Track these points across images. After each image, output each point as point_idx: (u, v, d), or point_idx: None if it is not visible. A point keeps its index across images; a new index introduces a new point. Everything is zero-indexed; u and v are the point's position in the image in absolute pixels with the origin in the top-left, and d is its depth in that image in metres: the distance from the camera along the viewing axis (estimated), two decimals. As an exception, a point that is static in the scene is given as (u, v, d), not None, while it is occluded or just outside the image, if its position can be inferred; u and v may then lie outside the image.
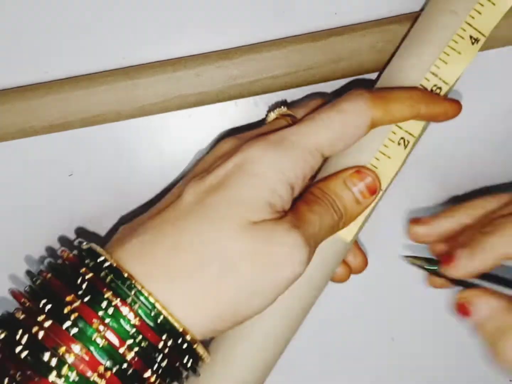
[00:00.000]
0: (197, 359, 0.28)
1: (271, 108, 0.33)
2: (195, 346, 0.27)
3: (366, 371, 0.38)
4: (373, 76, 0.35)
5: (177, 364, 0.27)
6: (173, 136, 0.35)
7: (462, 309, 0.31)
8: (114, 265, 0.27)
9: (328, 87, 0.35)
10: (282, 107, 0.32)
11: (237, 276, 0.27)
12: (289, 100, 0.35)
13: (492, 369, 0.38)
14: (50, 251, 0.36)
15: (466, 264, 0.30)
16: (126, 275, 0.26)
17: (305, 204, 0.29)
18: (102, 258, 0.27)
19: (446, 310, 0.38)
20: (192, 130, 0.35)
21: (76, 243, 0.29)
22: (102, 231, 0.36)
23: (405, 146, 0.30)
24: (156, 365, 0.26)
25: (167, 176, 0.36)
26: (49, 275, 0.27)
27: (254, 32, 0.34)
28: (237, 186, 0.28)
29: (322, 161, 0.29)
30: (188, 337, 0.27)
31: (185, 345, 0.27)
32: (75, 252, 0.28)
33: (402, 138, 0.30)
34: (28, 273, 0.28)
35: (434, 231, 0.33)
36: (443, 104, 0.30)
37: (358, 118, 0.28)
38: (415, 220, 0.34)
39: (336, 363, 0.37)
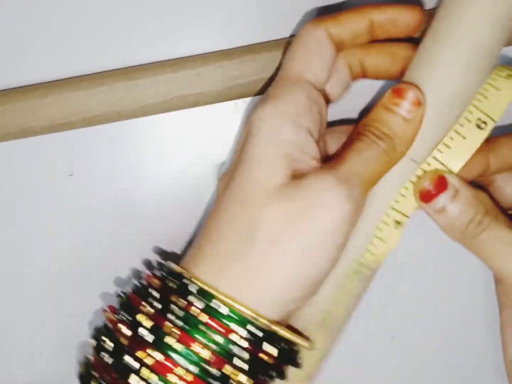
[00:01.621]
0: (285, 346, 0.27)
1: None
2: (274, 329, 0.27)
3: (365, 371, 0.38)
4: (373, 76, 0.35)
5: (263, 356, 0.27)
6: (173, 136, 0.35)
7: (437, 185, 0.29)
8: (178, 271, 0.28)
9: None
10: None
11: (280, 243, 0.26)
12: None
13: (492, 369, 0.38)
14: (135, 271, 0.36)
15: None
16: (188, 277, 0.27)
17: (344, 146, 0.28)
18: (167, 270, 0.28)
19: (446, 310, 0.38)
20: (192, 130, 0.35)
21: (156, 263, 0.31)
22: (102, 232, 0.36)
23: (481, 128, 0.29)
24: (236, 360, 0.26)
25: (167, 176, 0.36)
26: (131, 293, 0.29)
27: (254, 32, 0.34)
28: (248, 155, 0.27)
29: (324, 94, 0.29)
30: (262, 321, 0.26)
31: (262, 335, 0.26)
32: (158, 274, 0.29)
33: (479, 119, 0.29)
34: (117, 295, 0.30)
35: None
36: (398, 8, 0.29)
37: (312, 34, 0.29)
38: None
39: (335, 363, 0.37)
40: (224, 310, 0.26)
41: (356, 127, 0.29)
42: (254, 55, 0.33)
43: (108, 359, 0.27)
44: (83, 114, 0.33)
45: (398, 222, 0.30)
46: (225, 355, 0.26)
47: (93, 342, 0.29)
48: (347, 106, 0.35)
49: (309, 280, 0.27)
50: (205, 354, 0.26)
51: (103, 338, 0.28)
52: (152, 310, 0.27)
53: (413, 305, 0.37)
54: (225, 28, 0.35)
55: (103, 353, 0.27)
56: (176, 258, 0.34)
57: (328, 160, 0.28)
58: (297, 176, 0.27)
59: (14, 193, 0.35)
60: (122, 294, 0.30)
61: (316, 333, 0.30)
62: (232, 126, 0.35)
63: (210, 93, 0.33)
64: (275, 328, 0.27)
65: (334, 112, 0.34)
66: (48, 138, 0.34)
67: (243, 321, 0.26)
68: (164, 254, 0.36)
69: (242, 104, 0.35)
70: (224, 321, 0.26)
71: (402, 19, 0.29)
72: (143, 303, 0.27)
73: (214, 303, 0.26)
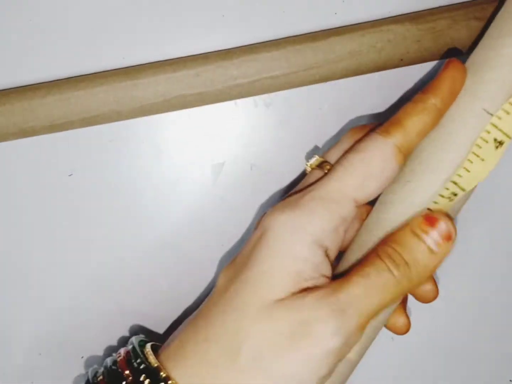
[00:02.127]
0: None
1: (307, 158, 0.31)
2: None
3: (366, 371, 0.38)
4: (372, 76, 0.35)
5: None
6: (173, 136, 0.35)
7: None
8: (153, 364, 0.26)
9: (328, 87, 0.35)
10: (315, 156, 0.30)
11: (263, 366, 0.25)
12: (288, 101, 0.35)
13: (492, 369, 0.38)
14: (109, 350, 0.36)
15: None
16: (163, 374, 0.26)
17: (359, 266, 0.26)
18: (141, 360, 0.27)
19: (447, 310, 0.38)
20: (192, 130, 0.35)
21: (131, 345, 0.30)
22: (102, 231, 0.36)
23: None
24: None
25: (167, 176, 0.36)
26: (101, 378, 0.28)
27: (254, 32, 0.34)
28: (258, 262, 0.26)
29: (357, 209, 0.26)
30: None
31: None
32: (132, 362, 0.28)
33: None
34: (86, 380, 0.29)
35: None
36: (444, 85, 0.27)
37: (379, 152, 0.26)
38: None
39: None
40: None
41: (379, 244, 0.27)
42: (254, 55, 0.33)
43: None
44: (83, 114, 0.33)
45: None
46: None
47: None
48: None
49: None
50: None
51: None
52: None
53: (413, 305, 0.37)
54: (225, 28, 0.35)
55: None
56: (156, 338, 0.33)
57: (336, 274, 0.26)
58: (299, 290, 0.25)
59: (14, 193, 0.35)
60: (90, 380, 0.28)
61: None
62: (232, 126, 0.35)
63: (210, 93, 0.33)
64: None
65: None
66: (48, 138, 0.34)
67: None
68: (143, 332, 0.36)
69: (242, 104, 0.35)
70: None
71: (455, 89, 0.28)
72: None
73: None
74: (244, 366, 0.25)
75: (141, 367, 0.27)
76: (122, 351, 0.29)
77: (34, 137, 0.34)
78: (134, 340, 0.29)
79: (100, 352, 0.36)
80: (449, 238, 0.25)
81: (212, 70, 0.33)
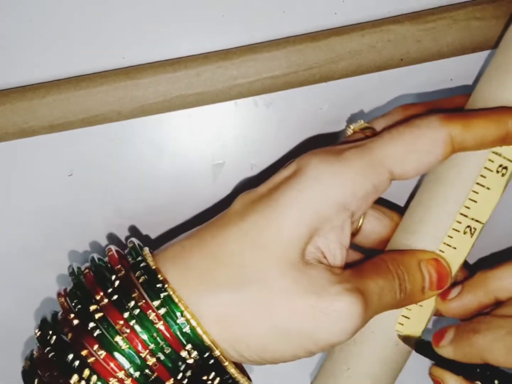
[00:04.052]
0: (227, 379, 0.26)
1: (349, 122, 0.31)
2: (225, 364, 0.25)
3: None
4: (373, 76, 0.35)
5: (205, 378, 0.26)
6: (173, 136, 0.35)
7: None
8: (152, 265, 0.26)
9: (328, 87, 0.35)
10: (360, 121, 0.29)
11: (272, 313, 0.25)
12: (288, 101, 0.35)
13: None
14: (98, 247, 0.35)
15: (449, 351, 0.28)
16: (160, 277, 0.25)
17: (373, 270, 0.26)
18: (140, 258, 0.26)
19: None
20: (192, 130, 0.35)
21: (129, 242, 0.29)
22: (102, 233, 0.36)
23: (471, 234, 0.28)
24: (180, 375, 0.25)
25: (167, 176, 0.36)
26: (87, 272, 0.27)
27: (254, 32, 0.34)
28: (284, 199, 0.25)
29: (390, 183, 0.26)
30: (216, 353, 0.25)
31: (211, 361, 0.25)
32: (118, 250, 0.27)
33: (468, 226, 0.28)
34: (70, 271, 0.28)
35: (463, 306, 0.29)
36: None
37: (432, 132, 0.25)
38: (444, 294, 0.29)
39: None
40: (186, 328, 0.25)
41: (389, 254, 0.28)
42: (254, 55, 0.33)
43: (52, 355, 0.25)
44: (83, 114, 0.33)
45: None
46: (170, 369, 0.25)
47: (38, 334, 0.27)
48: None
49: (269, 358, 0.26)
50: (151, 361, 0.25)
51: (48, 331, 0.26)
52: (106, 300, 0.25)
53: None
54: (225, 28, 0.35)
55: (47, 348, 0.26)
56: (149, 243, 0.32)
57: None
58: (321, 264, 0.25)
59: (14, 193, 0.35)
60: (76, 272, 0.27)
61: None
62: (232, 126, 0.35)
63: (210, 93, 0.33)
64: (227, 364, 0.26)
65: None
66: (48, 138, 0.34)
67: (199, 346, 0.25)
68: (135, 235, 0.36)
69: (242, 104, 0.35)
70: (181, 337, 0.25)
71: None
72: (98, 289, 0.25)
73: (178, 316, 0.25)
74: (249, 300, 0.25)
75: (139, 265, 0.26)
76: (112, 247, 0.28)
77: (34, 137, 0.34)
78: (135, 240, 0.28)
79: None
80: (442, 286, 0.27)
81: (212, 70, 0.33)
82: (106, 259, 0.27)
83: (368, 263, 0.27)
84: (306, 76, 0.34)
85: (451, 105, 0.29)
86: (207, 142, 0.36)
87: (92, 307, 0.25)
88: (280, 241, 0.25)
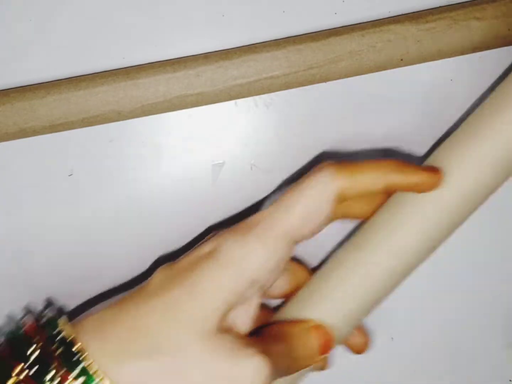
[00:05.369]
0: None
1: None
2: None
3: (366, 371, 0.38)
4: (373, 76, 0.35)
5: None
6: (173, 136, 0.35)
7: None
8: (69, 337, 0.26)
9: (328, 87, 0.35)
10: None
11: (188, 381, 0.26)
12: (288, 101, 0.35)
13: (492, 368, 0.38)
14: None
15: None
16: (77, 347, 0.26)
17: (273, 337, 0.29)
18: (57, 329, 0.27)
19: (446, 310, 0.38)
20: (192, 130, 0.35)
21: (46, 312, 0.29)
22: (101, 231, 0.36)
23: None
24: None
25: (167, 176, 0.36)
26: (3, 346, 0.27)
27: (254, 32, 0.34)
28: (202, 277, 0.27)
29: (295, 247, 0.28)
30: None
31: None
32: (36, 320, 0.28)
33: None
34: None
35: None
36: (419, 174, 0.27)
37: (322, 192, 0.27)
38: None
39: (335, 363, 0.37)
40: None
41: (283, 324, 0.30)
42: (254, 55, 0.33)
43: None
44: (83, 114, 0.33)
45: None
46: None
47: None
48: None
49: None
50: None
51: None
52: (25, 373, 0.26)
53: (413, 305, 0.37)
54: (225, 28, 0.35)
55: None
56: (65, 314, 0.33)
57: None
58: (231, 332, 0.27)
59: (14, 193, 0.35)
60: None
61: None
62: (232, 126, 0.35)
63: (210, 93, 0.33)
64: None
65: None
66: (48, 138, 0.34)
67: None
68: (51, 307, 0.35)
69: (242, 104, 0.35)
70: (79, 380, 0.25)
71: (423, 186, 0.27)
72: (16, 362, 0.26)
73: (77, 361, 0.25)
74: (166, 370, 0.26)
75: (56, 336, 0.26)
76: (29, 318, 0.28)
77: (34, 137, 0.34)
78: (50, 310, 0.29)
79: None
80: (326, 351, 0.29)
81: (212, 70, 0.33)
82: (23, 329, 0.28)
83: (270, 329, 0.29)
84: (306, 76, 0.34)
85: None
86: (207, 142, 0.36)
87: (11, 381, 0.26)
88: (197, 314, 0.26)
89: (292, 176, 0.36)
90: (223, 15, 0.34)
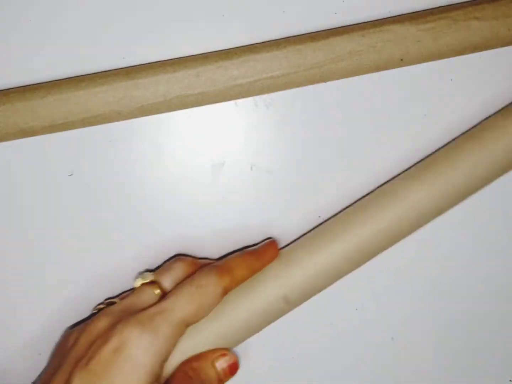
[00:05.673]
0: None
1: (137, 276, 0.34)
2: None
3: (366, 371, 0.38)
4: (373, 76, 0.35)
5: None
6: (173, 136, 0.35)
7: None
8: None
9: (328, 87, 0.35)
10: (146, 273, 0.33)
11: None
12: (288, 101, 0.35)
13: (492, 369, 0.38)
14: None
15: None
16: None
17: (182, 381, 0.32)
18: None
19: (446, 310, 0.38)
20: (192, 130, 0.35)
21: None
22: (101, 231, 0.36)
23: None
24: None
25: (167, 176, 0.36)
26: None
27: (254, 32, 0.34)
28: (116, 376, 0.30)
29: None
30: None
31: None
32: None
33: None
34: None
35: None
36: (266, 254, 0.34)
37: (213, 289, 0.32)
38: None
39: (336, 363, 0.37)
40: None
41: (188, 365, 0.32)
42: (254, 55, 0.33)
43: None
44: (83, 114, 0.33)
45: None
46: None
47: None
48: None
49: None
50: None
51: None
52: None
53: (413, 305, 0.37)
54: (225, 28, 0.35)
55: None
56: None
57: None
58: None
59: (14, 193, 0.35)
60: None
61: None
62: (232, 126, 0.35)
63: (210, 93, 0.33)
64: None
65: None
66: (48, 138, 0.34)
67: None
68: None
69: (242, 104, 0.35)
70: None
71: (271, 259, 0.34)
72: None
73: None
74: None
75: None
76: None
77: (34, 137, 0.34)
78: None
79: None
80: (234, 372, 0.33)
81: (212, 70, 0.33)
82: None
83: (174, 379, 0.32)
84: (306, 76, 0.34)
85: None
86: (207, 142, 0.36)
87: None
88: None
89: (292, 176, 0.36)
90: (223, 15, 0.34)
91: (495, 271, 0.37)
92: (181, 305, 0.31)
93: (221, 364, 0.33)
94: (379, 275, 0.37)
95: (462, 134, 0.35)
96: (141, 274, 0.34)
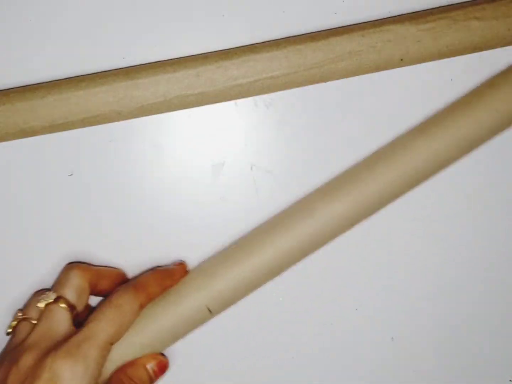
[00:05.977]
0: None
1: (36, 296, 0.34)
2: None
3: (365, 371, 0.38)
4: (372, 76, 0.35)
5: None
6: (173, 136, 0.35)
7: None
8: None
9: (328, 87, 0.35)
10: (47, 292, 0.33)
11: None
12: (288, 101, 0.35)
13: (492, 369, 0.38)
14: None
15: None
16: None
17: None
18: None
19: (446, 310, 0.38)
20: (192, 130, 0.35)
21: None
22: (102, 231, 0.36)
23: None
24: None
25: (167, 176, 0.36)
26: None
27: (254, 32, 0.34)
28: None
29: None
30: None
31: None
32: None
33: None
34: None
35: None
36: (177, 273, 0.35)
37: (131, 307, 0.33)
38: None
39: (336, 363, 0.37)
40: None
41: (122, 372, 0.34)
42: (254, 55, 0.33)
43: None
44: (83, 114, 0.33)
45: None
46: None
47: None
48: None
49: None
50: None
51: None
52: None
53: (413, 305, 0.37)
54: (225, 28, 0.35)
55: None
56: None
57: None
58: None
59: (14, 193, 0.35)
60: None
61: None
62: (232, 126, 0.35)
63: (210, 93, 0.33)
64: None
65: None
66: (48, 138, 0.34)
67: None
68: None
69: (242, 104, 0.35)
70: None
71: (182, 276, 0.35)
72: None
73: None
74: None
75: None
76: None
77: (34, 137, 0.34)
78: None
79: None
80: (163, 370, 0.35)
81: (212, 70, 0.33)
82: None
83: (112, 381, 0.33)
84: (306, 76, 0.34)
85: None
86: (207, 142, 0.36)
87: None
88: None
89: (292, 176, 0.36)
90: (223, 15, 0.35)
91: (495, 271, 0.37)
92: (104, 327, 0.32)
93: (152, 366, 0.35)
94: (379, 275, 0.37)
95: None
96: (38, 294, 0.34)
